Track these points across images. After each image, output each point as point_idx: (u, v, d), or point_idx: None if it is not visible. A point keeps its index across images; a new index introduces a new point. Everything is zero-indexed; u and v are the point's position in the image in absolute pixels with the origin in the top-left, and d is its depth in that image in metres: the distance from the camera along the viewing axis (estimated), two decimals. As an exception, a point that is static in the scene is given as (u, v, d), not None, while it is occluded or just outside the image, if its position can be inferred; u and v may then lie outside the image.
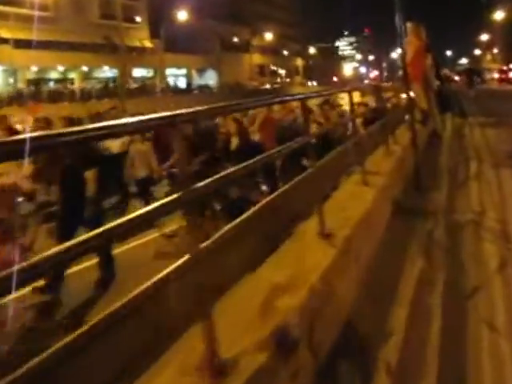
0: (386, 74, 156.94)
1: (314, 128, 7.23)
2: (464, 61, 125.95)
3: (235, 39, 76.88)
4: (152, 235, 6.67)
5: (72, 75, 51.06)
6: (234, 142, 7.53)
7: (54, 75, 49.86)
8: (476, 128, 11.50)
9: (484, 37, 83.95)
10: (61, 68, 49.45)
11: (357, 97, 16.83)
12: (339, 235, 3.24)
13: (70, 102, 38.46)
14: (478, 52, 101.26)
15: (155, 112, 19.89)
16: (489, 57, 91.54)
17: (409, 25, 8.81)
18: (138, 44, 57.20)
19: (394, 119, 6.99)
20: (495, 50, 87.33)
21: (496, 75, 62.98)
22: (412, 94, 8.47)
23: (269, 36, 78.33)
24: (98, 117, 14.63)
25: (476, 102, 20.66)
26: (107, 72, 53.22)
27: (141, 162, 8.45)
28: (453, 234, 4.73)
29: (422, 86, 8.44)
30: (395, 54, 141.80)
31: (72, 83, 50.45)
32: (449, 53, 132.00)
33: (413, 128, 5.14)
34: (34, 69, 46.93)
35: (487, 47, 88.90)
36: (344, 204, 4.02)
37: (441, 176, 6.28)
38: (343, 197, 4.32)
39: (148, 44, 58.27)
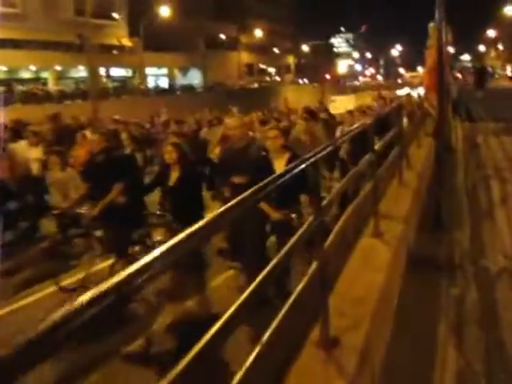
0: (382, 71, 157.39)
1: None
2: (466, 57, 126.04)
3: (221, 36, 76.20)
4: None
5: (45, 75, 50.20)
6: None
7: (25, 75, 48.94)
8: (490, 136, 10.78)
9: (491, 32, 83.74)
10: (33, 68, 48.55)
11: (352, 103, 15.95)
12: (347, 343, 2.45)
13: (40, 104, 37.43)
14: (482, 48, 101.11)
15: (129, 116, 18.97)
16: (493, 53, 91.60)
17: (431, 25, 7.96)
18: (115, 42, 56.36)
19: (408, 135, 6.25)
20: (500, 47, 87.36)
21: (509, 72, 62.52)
22: (426, 104, 7.73)
23: (258, 33, 77.61)
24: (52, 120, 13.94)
25: (484, 103, 20.02)
26: (83, 72, 52.21)
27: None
28: (488, 295, 3.96)
29: (440, 96, 7.69)
30: (395, 52, 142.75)
31: (45, 83, 49.63)
32: (450, 49, 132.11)
33: (439, 161, 4.35)
34: (4, 68, 46.08)
35: (492, 43, 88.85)
36: (353, 275, 3.25)
37: (460, 203, 5.50)
38: (353, 264, 3.52)
39: (127, 42, 57.42)
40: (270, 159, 5.67)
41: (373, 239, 3.86)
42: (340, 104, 16.39)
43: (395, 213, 4.39)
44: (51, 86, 48.56)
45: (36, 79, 49.86)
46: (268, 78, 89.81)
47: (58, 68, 49.63)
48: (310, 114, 9.86)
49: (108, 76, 56.55)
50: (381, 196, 4.53)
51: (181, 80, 66.62)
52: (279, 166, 5.18)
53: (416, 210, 4.74)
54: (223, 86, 61.76)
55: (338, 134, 8.97)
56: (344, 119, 9.30)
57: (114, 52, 56.80)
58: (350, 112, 9.16)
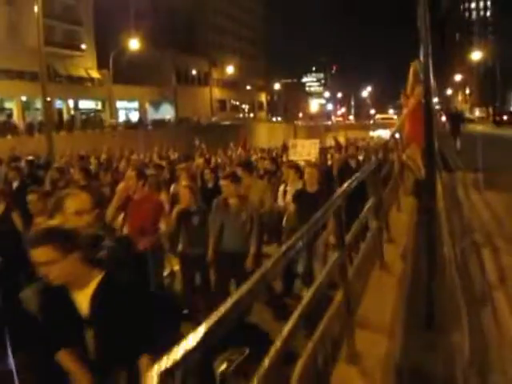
0: (353, 111, 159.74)
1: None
2: (434, 100, 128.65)
3: (193, 71, 75.99)
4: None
5: (10, 105, 48.70)
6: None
7: (-13, 105, 47.42)
8: (471, 190, 9.90)
9: (458, 77, 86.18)
10: (-4, 97, 47.07)
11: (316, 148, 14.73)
12: None
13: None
14: (449, 92, 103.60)
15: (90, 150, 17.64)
16: (460, 97, 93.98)
17: (416, 64, 7.04)
18: (84, 74, 55.40)
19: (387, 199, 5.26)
20: (467, 91, 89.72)
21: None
22: (405, 157, 6.79)
23: (230, 69, 77.86)
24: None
25: (460, 150, 19.57)
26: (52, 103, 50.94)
27: None
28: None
29: (421, 148, 6.77)
30: (365, 93, 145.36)
31: (10, 114, 48.12)
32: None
33: (431, 245, 3.32)
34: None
35: (459, 87, 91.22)
36: None
37: (452, 285, 4.49)
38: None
39: (95, 74, 56.47)
40: None
41: (349, 367, 2.79)
42: (302, 149, 14.89)
43: (376, 320, 3.36)
44: (16, 117, 47.10)
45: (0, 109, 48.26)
46: (241, 115, 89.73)
47: (24, 98, 48.16)
48: (244, 167, 8.40)
49: (76, 108, 55.29)
50: (357, 297, 3.48)
51: (153, 114, 65.68)
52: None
53: (403, 308, 3.70)
54: (191, 121, 60.85)
55: (279, 198, 8.07)
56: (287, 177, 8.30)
57: (88, 84, 55.97)
58: (295, 167, 8.23)
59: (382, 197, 4.69)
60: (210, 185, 9.33)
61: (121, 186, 6.75)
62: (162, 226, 6.41)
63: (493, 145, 22.38)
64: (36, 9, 19.08)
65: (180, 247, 6.88)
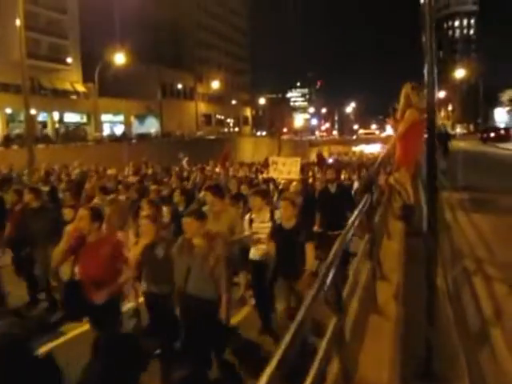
0: (337, 126, 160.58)
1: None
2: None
3: (179, 85, 75.81)
4: None
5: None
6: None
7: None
8: (458, 211, 9.68)
9: (441, 94, 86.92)
10: (-20, 110, 46.38)
11: (297, 166, 13.76)
12: None
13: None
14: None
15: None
16: (443, 113, 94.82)
17: (408, 87, 6.71)
18: (69, 87, 54.99)
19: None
20: (450, 108, 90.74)
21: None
22: (392, 180, 6.48)
23: (216, 84, 77.86)
24: None
25: (446, 170, 19.34)
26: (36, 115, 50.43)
27: None
28: None
29: (411, 173, 6.47)
30: (349, 108, 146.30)
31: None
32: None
33: (430, 285, 2.98)
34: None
35: (442, 104, 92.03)
36: None
37: (447, 321, 4.18)
38: None
39: (81, 87, 56.09)
40: None
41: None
42: (283, 167, 13.94)
43: (374, 377, 3.02)
44: (0, 129, 46.49)
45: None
46: (226, 129, 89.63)
47: (9, 111, 47.51)
48: (215, 191, 7.15)
49: (61, 121, 54.78)
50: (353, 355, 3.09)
51: (138, 128, 65.23)
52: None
53: (400, 359, 3.36)
54: (173, 135, 60.24)
55: (245, 226, 7.20)
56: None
57: (73, 97, 55.54)
58: (262, 194, 7.46)
59: (376, 237, 4.30)
60: (181, 208, 8.48)
61: (70, 227, 5.78)
62: (123, 276, 5.42)
63: (477, 162, 22.25)
64: (18, 22, 18.57)
65: (144, 285, 6.02)
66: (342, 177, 17.60)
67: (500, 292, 5.27)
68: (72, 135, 51.09)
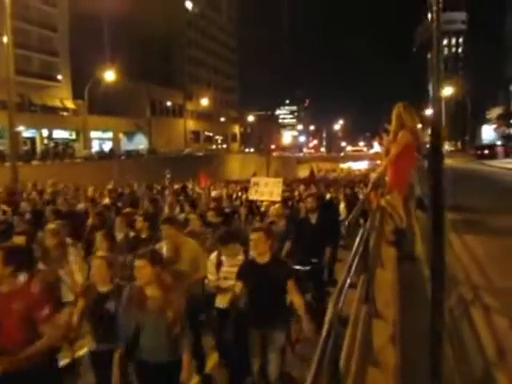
0: (325, 143, 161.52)
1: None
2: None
3: (168, 103, 75.68)
4: None
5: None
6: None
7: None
8: (450, 234, 9.35)
9: (428, 111, 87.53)
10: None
11: (279, 187, 12.62)
12: None
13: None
14: (419, 126, 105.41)
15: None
16: (430, 131, 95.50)
17: (400, 107, 6.44)
18: (59, 104, 54.68)
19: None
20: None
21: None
22: (383, 202, 6.20)
23: (204, 101, 77.93)
24: None
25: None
26: (24, 132, 49.89)
27: None
28: None
29: (403, 196, 6.19)
30: (337, 126, 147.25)
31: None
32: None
33: (434, 331, 2.64)
34: None
35: (429, 122, 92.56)
36: None
37: (445, 362, 3.83)
38: None
39: (70, 104, 55.80)
40: None
41: None
42: (264, 188, 12.79)
43: None
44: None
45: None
46: (214, 146, 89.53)
47: (-4, 127, 46.98)
48: (170, 222, 6.24)
49: (50, 138, 54.30)
50: None
51: (127, 144, 64.82)
52: None
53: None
54: (158, 152, 59.63)
55: (210, 269, 6.03)
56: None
57: (62, 114, 55.20)
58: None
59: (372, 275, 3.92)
60: (144, 235, 7.44)
61: None
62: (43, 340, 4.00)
63: (466, 180, 22.00)
64: (5, 39, 18.29)
65: (91, 344, 4.85)
66: (329, 195, 17.28)
67: (500, 325, 4.94)
68: (60, 152, 50.53)
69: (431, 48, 2.61)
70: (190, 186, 22.15)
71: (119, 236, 7.63)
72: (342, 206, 14.91)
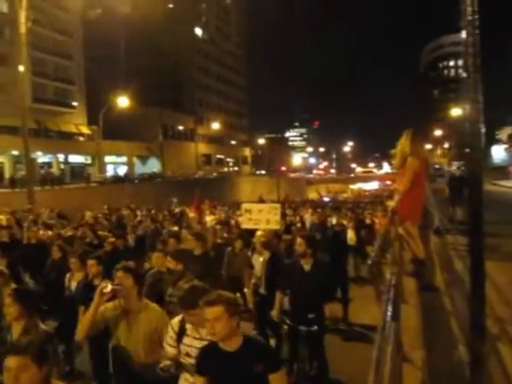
0: (335, 165, 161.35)
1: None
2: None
3: (180, 127, 76.16)
4: None
5: (0, 159, 47.99)
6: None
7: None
8: (468, 260, 8.90)
9: (438, 132, 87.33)
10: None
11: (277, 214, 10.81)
12: None
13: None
14: (428, 146, 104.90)
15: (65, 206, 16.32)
16: (439, 151, 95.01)
17: (407, 135, 6.24)
18: (74, 129, 55.28)
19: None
20: (446, 145, 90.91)
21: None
22: (401, 230, 5.94)
23: (215, 125, 78.48)
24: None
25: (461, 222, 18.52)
26: (41, 157, 50.48)
27: None
28: None
29: (417, 224, 5.94)
30: (347, 148, 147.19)
31: (1, 168, 47.43)
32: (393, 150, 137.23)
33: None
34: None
35: (438, 142, 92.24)
36: None
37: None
38: None
39: (85, 130, 56.40)
40: None
41: None
42: (258, 215, 10.92)
43: None
44: (7, 171, 46.43)
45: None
46: (226, 169, 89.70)
47: (15, 153, 47.38)
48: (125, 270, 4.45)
49: (66, 162, 54.79)
50: None
51: (140, 168, 65.15)
52: None
53: None
54: (162, 176, 59.49)
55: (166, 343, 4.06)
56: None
57: (78, 139, 55.74)
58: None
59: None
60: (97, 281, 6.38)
61: None
62: None
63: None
64: (22, 68, 18.44)
65: None
66: (334, 221, 15.74)
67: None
68: (76, 176, 50.92)
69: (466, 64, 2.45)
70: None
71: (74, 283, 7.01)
72: (350, 232, 13.09)
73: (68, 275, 7.25)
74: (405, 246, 6.36)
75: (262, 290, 7.87)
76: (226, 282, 8.20)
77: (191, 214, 18.38)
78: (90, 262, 6.46)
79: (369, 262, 3.37)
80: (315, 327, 5.89)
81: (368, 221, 16.94)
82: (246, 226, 11.29)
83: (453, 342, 4.41)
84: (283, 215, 17.50)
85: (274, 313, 6.35)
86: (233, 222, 17.21)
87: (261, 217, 10.83)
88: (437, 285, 6.36)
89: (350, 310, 9.38)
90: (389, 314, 2.48)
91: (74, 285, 6.96)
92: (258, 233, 9.27)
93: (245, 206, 11.66)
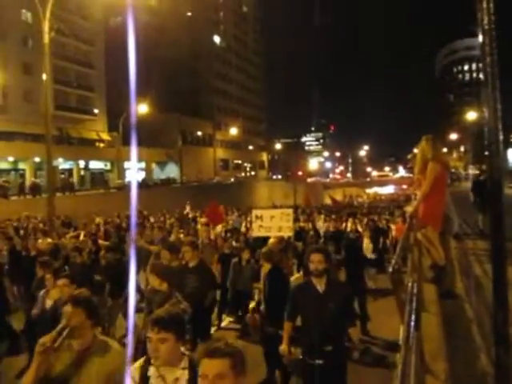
0: (351, 169, 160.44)
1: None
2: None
3: (198, 133, 76.47)
4: None
5: (23, 166, 48.46)
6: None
7: (2, 166, 47.01)
8: (488, 266, 8.78)
9: (453, 136, 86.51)
10: (11, 158, 46.75)
11: (289, 220, 10.42)
12: None
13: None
14: (444, 150, 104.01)
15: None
16: (455, 155, 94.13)
17: (427, 140, 6.14)
18: (95, 136, 55.84)
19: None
20: (462, 149, 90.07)
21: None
22: (420, 235, 5.83)
23: (233, 131, 78.73)
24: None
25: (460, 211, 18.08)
26: (62, 164, 51.01)
27: None
28: None
29: (438, 230, 5.82)
30: (362, 152, 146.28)
31: (22, 175, 47.83)
32: (415, 150, 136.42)
33: None
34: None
35: (454, 146, 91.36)
36: None
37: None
38: None
39: (106, 137, 56.94)
40: None
41: None
42: (270, 222, 10.31)
43: None
44: (28, 177, 46.81)
45: (13, 170, 47.94)
46: (243, 173, 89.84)
47: (37, 159, 47.93)
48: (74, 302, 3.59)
49: (86, 169, 55.34)
50: None
51: (159, 174, 65.56)
52: None
53: None
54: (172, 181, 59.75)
55: None
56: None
57: (98, 146, 56.34)
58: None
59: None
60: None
61: None
62: None
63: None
64: (45, 77, 18.64)
65: None
66: (349, 227, 15.04)
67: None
68: (95, 182, 51.51)
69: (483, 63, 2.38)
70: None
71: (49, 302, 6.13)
72: (365, 241, 12.37)
73: (42, 292, 6.38)
74: (423, 252, 6.25)
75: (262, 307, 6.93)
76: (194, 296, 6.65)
77: (202, 220, 17.67)
78: (60, 282, 5.56)
79: (389, 269, 3.28)
80: (333, 361, 4.71)
81: (384, 227, 16.71)
82: (256, 233, 10.73)
83: (475, 351, 4.28)
84: (295, 220, 16.99)
85: (283, 348, 5.14)
86: (243, 228, 17.01)
87: (272, 224, 10.30)
88: (457, 291, 6.22)
89: (368, 326, 8.89)
90: (412, 324, 2.41)
91: (49, 303, 6.01)
92: (271, 240, 8.77)
93: (255, 212, 11.00)
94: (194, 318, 5.61)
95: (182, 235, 13.22)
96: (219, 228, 15.86)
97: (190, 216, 21.40)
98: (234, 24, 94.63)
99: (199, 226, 16.34)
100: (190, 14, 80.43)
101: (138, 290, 8.82)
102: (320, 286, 4.79)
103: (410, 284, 3.08)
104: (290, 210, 11.00)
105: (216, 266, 9.83)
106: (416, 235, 6.08)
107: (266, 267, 6.88)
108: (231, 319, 10.09)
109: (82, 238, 12.40)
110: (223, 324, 9.89)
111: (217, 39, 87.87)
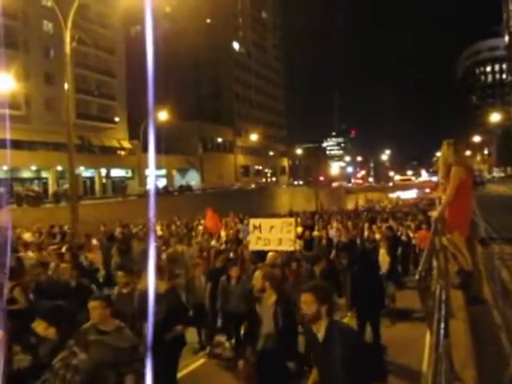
0: (372, 173, 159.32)
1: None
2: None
3: (219, 139, 76.77)
4: None
5: (45, 175, 49.28)
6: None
7: (26, 174, 47.84)
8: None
9: (476, 138, 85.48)
10: (33, 167, 47.54)
11: (292, 232, 9.13)
12: None
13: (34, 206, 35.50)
14: (468, 153, 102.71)
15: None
16: (479, 158, 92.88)
17: (448, 145, 6.05)
18: (116, 144, 56.46)
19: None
20: (486, 152, 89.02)
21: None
22: (445, 241, 5.73)
23: (253, 137, 78.83)
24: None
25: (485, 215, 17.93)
26: (84, 172, 51.74)
27: None
28: None
29: (465, 235, 5.72)
30: (384, 156, 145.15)
31: (45, 183, 48.67)
32: (438, 153, 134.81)
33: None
34: (4, 168, 45.08)
35: (478, 148, 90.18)
36: None
37: None
38: None
39: (127, 144, 57.53)
40: None
41: None
42: (268, 233, 9.07)
43: None
44: (51, 186, 47.59)
45: (36, 179, 48.77)
46: (264, 179, 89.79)
47: (59, 168, 48.66)
48: None
49: (108, 176, 56.03)
50: None
51: (179, 181, 65.90)
52: None
53: None
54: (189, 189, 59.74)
55: None
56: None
57: (121, 153, 57.13)
58: None
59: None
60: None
61: None
62: None
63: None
64: (67, 86, 18.93)
65: None
66: (366, 234, 14.49)
67: None
68: (116, 190, 52.01)
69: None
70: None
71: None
72: (382, 252, 10.75)
73: None
74: (449, 258, 6.15)
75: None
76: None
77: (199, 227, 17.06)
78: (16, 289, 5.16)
79: (416, 276, 3.23)
80: None
81: (404, 237, 15.02)
82: (253, 246, 9.46)
83: (504, 357, 4.18)
84: (309, 227, 16.38)
85: None
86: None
87: (272, 236, 9.01)
88: (484, 297, 6.09)
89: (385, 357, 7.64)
90: (442, 332, 2.35)
91: None
92: (270, 254, 8.01)
93: (253, 221, 9.63)
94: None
95: (180, 247, 12.11)
96: (223, 236, 15.21)
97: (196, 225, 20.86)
98: (253, 30, 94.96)
99: (199, 238, 15.59)
100: (209, 20, 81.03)
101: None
102: (319, 333, 3.72)
103: (437, 291, 3.03)
104: (292, 220, 9.74)
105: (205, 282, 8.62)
106: (442, 240, 5.99)
107: (270, 294, 5.55)
108: (223, 339, 8.77)
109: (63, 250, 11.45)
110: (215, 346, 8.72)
111: (236, 45, 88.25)
